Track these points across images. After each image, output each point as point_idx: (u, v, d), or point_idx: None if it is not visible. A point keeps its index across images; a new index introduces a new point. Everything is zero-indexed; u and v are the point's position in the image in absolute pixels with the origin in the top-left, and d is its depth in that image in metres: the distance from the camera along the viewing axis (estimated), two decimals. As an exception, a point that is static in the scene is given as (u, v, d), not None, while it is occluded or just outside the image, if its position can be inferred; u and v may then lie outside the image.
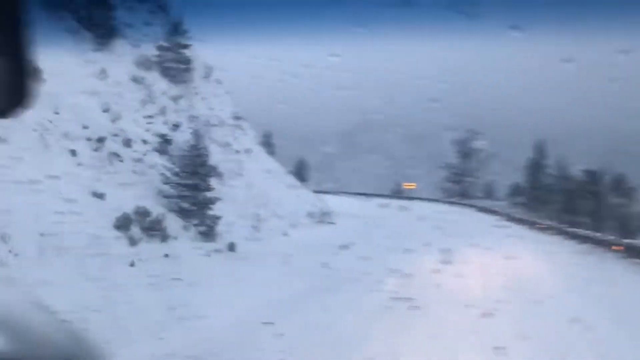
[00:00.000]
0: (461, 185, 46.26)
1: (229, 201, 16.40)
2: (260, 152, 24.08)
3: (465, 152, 47.11)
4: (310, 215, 22.44)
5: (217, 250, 13.72)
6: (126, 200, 12.35)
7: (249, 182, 19.42)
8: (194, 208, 14.35)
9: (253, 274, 11.66)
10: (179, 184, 14.42)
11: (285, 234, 18.26)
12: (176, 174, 14.57)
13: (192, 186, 14.48)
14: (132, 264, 10.45)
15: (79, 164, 12.39)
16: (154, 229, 12.73)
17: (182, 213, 14.16)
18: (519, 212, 33.34)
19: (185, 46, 18.37)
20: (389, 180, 56.71)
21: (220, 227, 14.63)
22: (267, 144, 31.15)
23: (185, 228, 13.94)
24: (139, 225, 12.29)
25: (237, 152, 20.73)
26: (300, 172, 36.04)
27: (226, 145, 20.12)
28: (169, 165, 14.93)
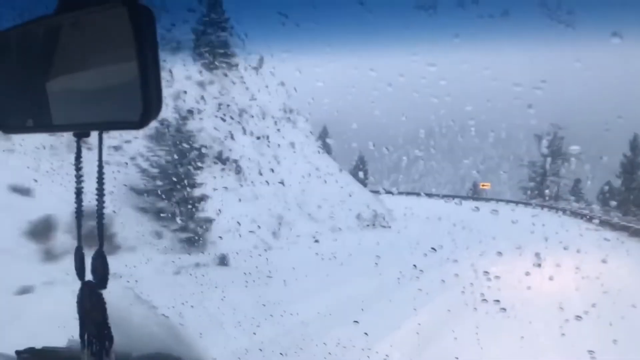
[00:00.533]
0: (543, 185, 41.48)
1: (247, 201, 14.87)
2: (310, 148, 21.93)
3: (549, 148, 42.04)
4: (360, 217, 20.14)
5: (199, 265, 11.00)
6: (67, 198, 10.51)
7: (282, 179, 17.37)
8: (175, 208, 11.84)
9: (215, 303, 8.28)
10: (155, 177, 11.91)
11: (316, 240, 15.11)
12: (154, 165, 12.02)
13: (174, 180, 11.93)
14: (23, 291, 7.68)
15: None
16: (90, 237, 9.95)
17: (157, 214, 11.57)
18: (615, 217, 30.75)
19: (224, 29, 16.96)
20: (469, 182, 55.41)
21: (214, 234, 12.19)
22: (324, 141, 29.33)
23: (157, 235, 11.43)
24: (69, 232, 9.04)
25: (277, 145, 18.99)
26: (359, 172, 34.02)
27: (263, 137, 18.67)
28: (149, 154, 12.35)
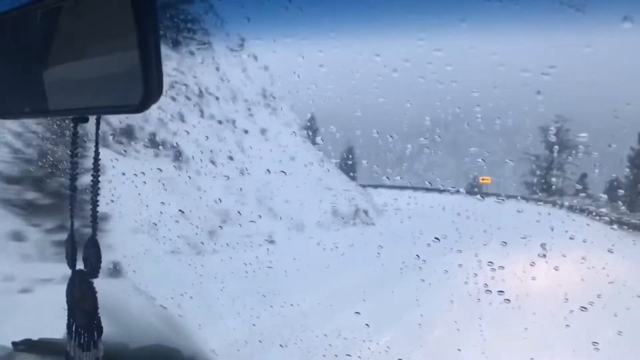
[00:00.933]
0: (547, 180, 41.10)
1: (182, 193, 12.38)
2: (290, 137, 20.14)
3: (555, 141, 40.97)
4: (336, 213, 18.26)
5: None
6: None
7: (243, 169, 15.76)
8: (56, 200, 8.85)
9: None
10: (30, 161, 9.33)
11: (270, 241, 13.21)
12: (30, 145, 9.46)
13: (55, 164, 9.08)
14: None
15: None
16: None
17: (25, 208, 9.03)
18: (624, 215, 30.20)
19: (192, 2, 15.89)
20: (471, 175, 54.64)
21: (113, 234, 9.19)
22: (311, 130, 27.53)
23: (17, 236, 8.71)
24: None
25: (244, 132, 17.43)
26: (348, 163, 32.76)
27: (227, 121, 17.06)
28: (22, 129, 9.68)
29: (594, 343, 6.99)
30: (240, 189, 14.76)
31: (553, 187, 40.23)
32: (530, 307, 9.14)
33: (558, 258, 12.34)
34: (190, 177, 13.46)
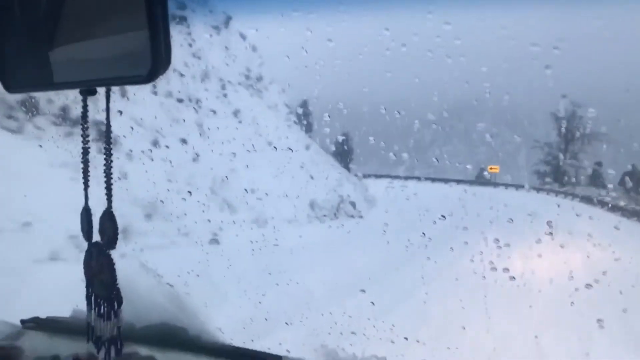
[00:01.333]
0: (559, 169, 38.52)
1: (92, 183, 5.04)
2: (273, 120, 18.48)
3: (566, 128, 39.17)
4: (314, 205, 15.91)
5: None
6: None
7: (198, 153, 13.39)
8: None
9: None
10: None
11: (214, 240, 11.00)
12: None
13: None
14: None
15: None
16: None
17: None
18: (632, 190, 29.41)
19: None
20: (488, 162, 51.73)
21: None
22: (304, 114, 26.20)
23: None
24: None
25: (211, 112, 15.75)
26: (342, 152, 30.61)
27: (189, 100, 15.31)
28: None
29: (599, 320, 7.04)
30: (187, 176, 12.23)
31: (565, 179, 38.31)
32: (535, 284, 9.14)
33: (564, 236, 12.31)
34: (116, 161, 11.27)
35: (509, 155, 49.39)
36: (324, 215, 15.95)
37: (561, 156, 38.85)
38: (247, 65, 19.52)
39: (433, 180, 34.10)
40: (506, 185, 34.12)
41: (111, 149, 0.92)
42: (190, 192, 11.49)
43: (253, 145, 15.65)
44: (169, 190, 11.09)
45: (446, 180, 33.22)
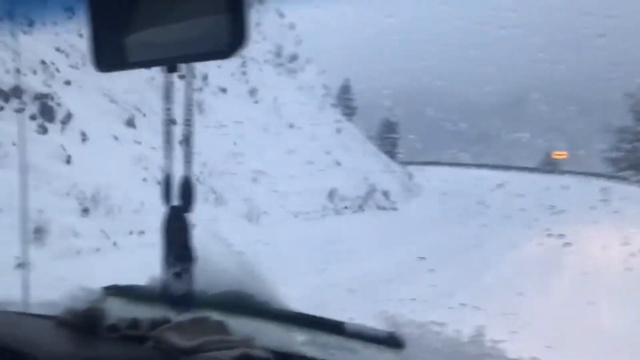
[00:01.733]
0: (635, 155, 37.34)
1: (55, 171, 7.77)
2: (301, 103, 17.03)
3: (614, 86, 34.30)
4: (334, 195, 13.78)
5: None
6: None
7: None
8: None
9: None
10: None
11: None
12: None
13: None
14: None
15: None
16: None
17: None
18: None
19: None
20: (553, 148, 47.16)
21: None
22: (346, 97, 25.66)
23: None
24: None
25: (220, 90, 14.88)
26: (386, 138, 28.54)
27: (195, 77, 14.18)
28: None
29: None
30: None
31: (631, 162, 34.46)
32: (590, 250, 8.97)
33: (620, 201, 11.90)
34: (87, 147, 9.31)
35: (577, 139, 46.38)
36: (345, 208, 13.81)
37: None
38: (278, 43, 18.72)
39: (496, 167, 31.99)
40: (575, 173, 30.66)
41: (191, 120, 0.98)
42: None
43: (266, 127, 14.42)
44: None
45: (508, 168, 31.50)
